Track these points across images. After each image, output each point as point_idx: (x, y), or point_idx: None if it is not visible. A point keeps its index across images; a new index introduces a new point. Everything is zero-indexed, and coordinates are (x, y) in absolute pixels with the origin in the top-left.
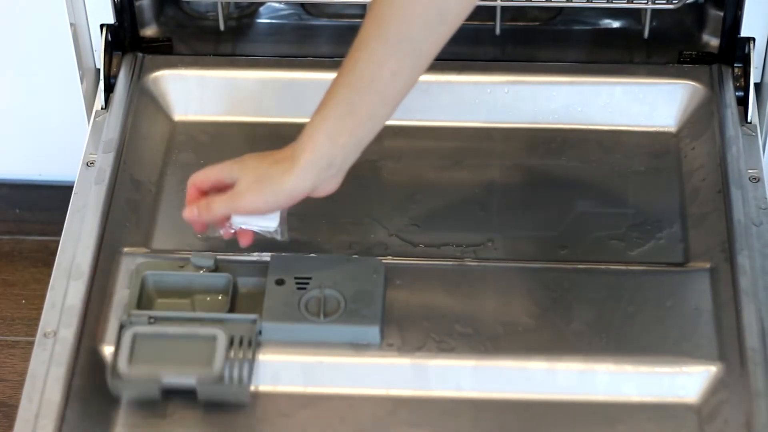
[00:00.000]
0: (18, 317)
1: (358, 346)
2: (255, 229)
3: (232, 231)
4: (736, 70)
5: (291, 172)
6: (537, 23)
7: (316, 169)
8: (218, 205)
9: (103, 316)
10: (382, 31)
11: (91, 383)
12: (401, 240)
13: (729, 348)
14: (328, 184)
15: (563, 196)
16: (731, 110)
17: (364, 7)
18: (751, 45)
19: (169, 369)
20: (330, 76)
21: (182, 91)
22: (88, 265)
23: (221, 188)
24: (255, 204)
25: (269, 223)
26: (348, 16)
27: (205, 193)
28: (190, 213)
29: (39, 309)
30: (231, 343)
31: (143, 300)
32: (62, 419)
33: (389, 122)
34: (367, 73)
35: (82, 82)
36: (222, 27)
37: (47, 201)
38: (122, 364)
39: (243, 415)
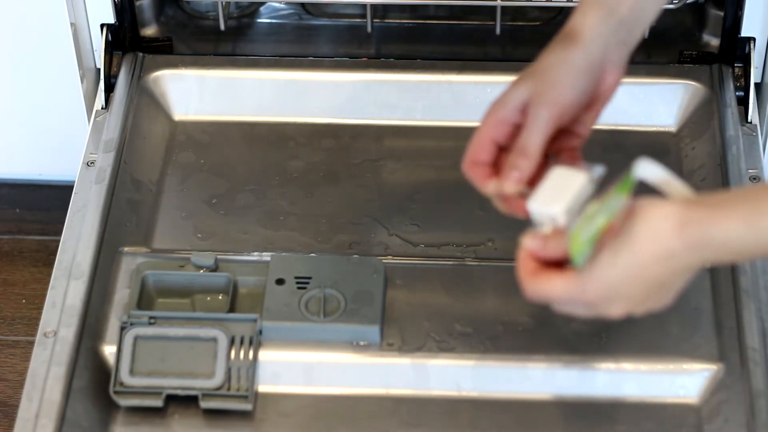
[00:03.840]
0: (18, 317)
1: (358, 346)
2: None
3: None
4: (736, 70)
5: (574, 40)
6: (537, 23)
7: (604, 31)
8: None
9: (104, 315)
10: None
11: (91, 383)
12: (401, 240)
13: (729, 348)
14: (617, 61)
15: None
16: (731, 110)
17: (364, 7)
18: (752, 45)
19: (171, 380)
20: (330, 76)
21: (182, 90)
22: (88, 265)
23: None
24: (544, 99)
25: (552, 209)
26: (348, 16)
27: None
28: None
29: (39, 309)
30: (231, 343)
31: (143, 300)
32: (62, 419)
33: (389, 122)
34: None
35: (82, 82)
36: (222, 27)
37: (47, 201)
38: (124, 375)
39: (243, 414)
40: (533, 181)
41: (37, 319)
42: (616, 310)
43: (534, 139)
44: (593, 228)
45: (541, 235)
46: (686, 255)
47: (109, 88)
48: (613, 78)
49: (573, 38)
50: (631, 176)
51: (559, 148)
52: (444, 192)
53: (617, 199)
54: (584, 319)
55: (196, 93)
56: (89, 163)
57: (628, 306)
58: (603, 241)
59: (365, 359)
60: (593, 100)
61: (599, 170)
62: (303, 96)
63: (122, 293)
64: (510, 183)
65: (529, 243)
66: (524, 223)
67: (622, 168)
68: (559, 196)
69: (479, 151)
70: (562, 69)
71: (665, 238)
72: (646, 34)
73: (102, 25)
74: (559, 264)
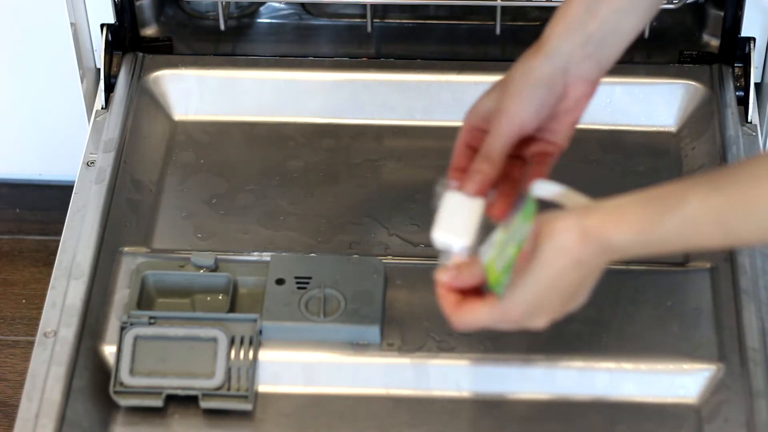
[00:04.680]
0: (18, 317)
1: (358, 346)
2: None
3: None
4: (736, 70)
5: (539, 50)
6: (537, 23)
7: (569, 43)
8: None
9: (104, 315)
10: None
11: (91, 383)
12: (401, 240)
13: (729, 348)
14: (584, 76)
15: None
16: (731, 110)
17: (364, 7)
18: (752, 45)
19: (171, 380)
20: (330, 76)
21: (182, 90)
22: (88, 265)
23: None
24: (506, 108)
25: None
26: (348, 16)
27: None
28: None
29: (39, 309)
30: (231, 343)
31: (143, 300)
32: (62, 419)
33: (389, 122)
34: None
35: (82, 82)
36: (222, 27)
37: (47, 201)
38: (124, 375)
39: (243, 414)
40: (499, 182)
41: (37, 319)
42: (539, 322)
43: (495, 147)
44: (506, 257)
45: (453, 267)
46: (592, 260)
47: (109, 88)
48: (581, 91)
49: (538, 49)
50: (531, 203)
51: (536, 152)
52: None
53: (523, 226)
54: (584, 320)
55: (196, 93)
56: (89, 163)
57: (551, 315)
58: (517, 265)
59: (365, 359)
60: (561, 111)
61: (538, 190)
62: (303, 96)
63: (122, 293)
64: (471, 185)
65: (444, 278)
66: None
67: (622, 168)
68: (461, 226)
69: (459, 158)
70: (522, 80)
71: (570, 249)
72: (647, 35)
73: (102, 25)
74: (477, 289)
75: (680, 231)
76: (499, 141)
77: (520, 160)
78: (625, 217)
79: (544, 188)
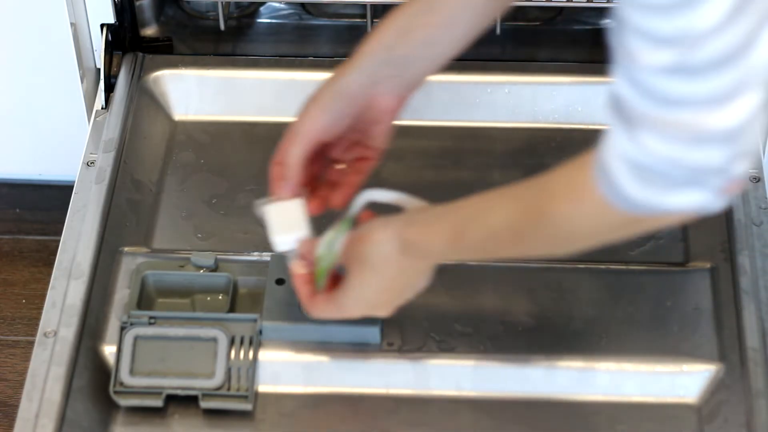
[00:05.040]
0: (18, 317)
1: (358, 346)
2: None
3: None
4: None
5: (347, 64)
6: (537, 23)
7: (375, 60)
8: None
9: (104, 315)
10: None
11: (91, 383)
12: None
13: (729, 348)
14: (388, 92)
15: None
16: None
17: (364, 7)
18: None
19: (171, 380)
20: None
21: (182, 90)
22: (88, 265)
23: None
24: (310, 114)
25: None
26: (348, 16)
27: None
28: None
29: (39, 309)
30: (231, 343)
31: (143, 300)
32: (62, 419)
33: None
34: None
35: (82, 82)
36: (222, 27)
37: (47, 201)
38: (124, 375)
39: (243, 414)
40: (318, 184)
41: (37, 319)
42: (383, 312)
43: (291, 153)
44: (329, 258)
45: (305, 263)
46: (415, 265)
47: (109, 88)
48: (387, 104)
49: (349, 64)
50: (350, 214)
51: (354, 158)
52: (444, 192)
53: (340, 234)
54: (584, 320)
55: (196, 93)
56: (89, 163)
57: (391, 307)
58: (348, 265)
59: (365, 359)
60: (369, 121)
61: (376, 196)
62: (303, 96)
63: (122, 293)
64: (280, 191)
65: (299, 270)
66: None
67: None
68: (292, 223)
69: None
70: (326, 92)
71: (393, 259)
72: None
73: (102, 25)
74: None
75: (481, 241)
76: (295, 147)
77: (338, 163)
78: (435, 228)
79: (376, 194)
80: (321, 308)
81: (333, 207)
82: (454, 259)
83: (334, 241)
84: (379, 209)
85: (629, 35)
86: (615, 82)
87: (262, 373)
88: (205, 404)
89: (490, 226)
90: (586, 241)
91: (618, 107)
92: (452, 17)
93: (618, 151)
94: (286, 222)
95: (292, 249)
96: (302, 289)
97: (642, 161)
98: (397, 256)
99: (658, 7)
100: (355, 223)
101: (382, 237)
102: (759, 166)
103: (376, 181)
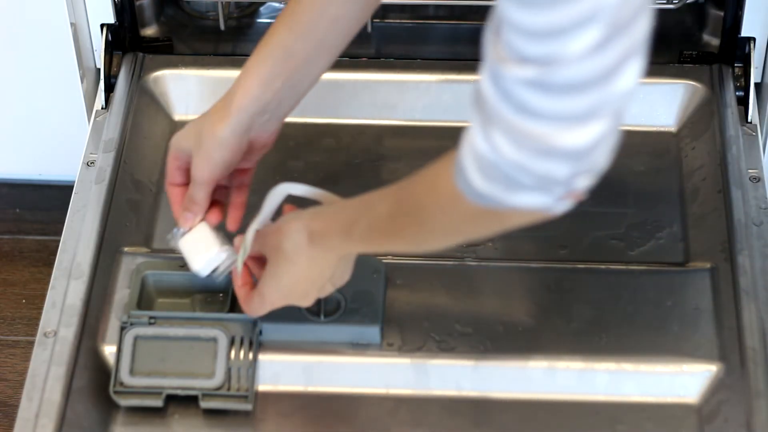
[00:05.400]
0: (18, 317)
1: (358, 346)
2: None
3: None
4: (736, 69)
5: (224, 118)
6: None
7: (248, 113)
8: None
9: (104, 315)
10: None
11: (91, 383)
12: None
13: (729, 348)
14: (266, 131)
15: None
16: (731, 110)
17: None
18: (752, 45)
19: (171, 380)
20: (330, 75)
21: (182, 90)
22: (88, 265)
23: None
24: (200, 165)
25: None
26: None
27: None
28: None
29: (39, 309)
30: (231, 343)
31: (143, 300)
32: (62, 419)
33: (389, 122)
34: (306, 18)
35: (82, 82)
36: (222, 27)
37: (47, 201)
38: (124, 375)
39: (243, 414)
40: (211, 207)
41: (37, 319)
42: (306, 302)
43: (197, 194)
44: (243, 253)
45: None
46: (324, 255)
47: (109, 88)
48: (264, 139)
49: (224, 116)
50: (266, 207)
51: (238, 183)
52: None
53: (251, 231)
54: (584, 320)
55: (196, 93)
56: (89, 163)
57: (309, 297)
58: (267, 255)
59: (365, 359)
60: (249, 153)
61: (293, 190)
62: None
63: (122, 293)
64: (186, 222)
65: (238, 279)
66: None
67: (622, 167)
68: (207, 244)
69: (173, 176)
70: (210, 143)
71: (303, 250)
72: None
73: (102, 25)
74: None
75: (368, 235)
76: (200, 190)
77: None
78: (334, 221)
79: (292, 188)
80: (251, 305)
81: (230, 231)
82: (356, 251)
83: (247, 236)
84: (300, 203)
85: (501, 42)
86: (481, 79)
87: (262, 373)
88: (205, 404)
89: (375, 218)
90: (446, 233)
91: (479, 103)
92: (316, 50)
93: (471, 145)
94: (201, 246)
95: (217, 266)
96: (240, 293)
97: (490, 159)
98: (306, 246)
99: (532, 32)
100: (278, 215)
101: (293, 228)
102: (759, 166)
103: (376, 181)
